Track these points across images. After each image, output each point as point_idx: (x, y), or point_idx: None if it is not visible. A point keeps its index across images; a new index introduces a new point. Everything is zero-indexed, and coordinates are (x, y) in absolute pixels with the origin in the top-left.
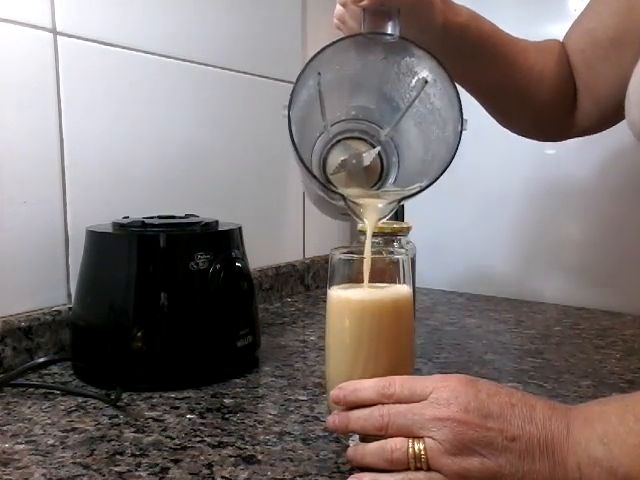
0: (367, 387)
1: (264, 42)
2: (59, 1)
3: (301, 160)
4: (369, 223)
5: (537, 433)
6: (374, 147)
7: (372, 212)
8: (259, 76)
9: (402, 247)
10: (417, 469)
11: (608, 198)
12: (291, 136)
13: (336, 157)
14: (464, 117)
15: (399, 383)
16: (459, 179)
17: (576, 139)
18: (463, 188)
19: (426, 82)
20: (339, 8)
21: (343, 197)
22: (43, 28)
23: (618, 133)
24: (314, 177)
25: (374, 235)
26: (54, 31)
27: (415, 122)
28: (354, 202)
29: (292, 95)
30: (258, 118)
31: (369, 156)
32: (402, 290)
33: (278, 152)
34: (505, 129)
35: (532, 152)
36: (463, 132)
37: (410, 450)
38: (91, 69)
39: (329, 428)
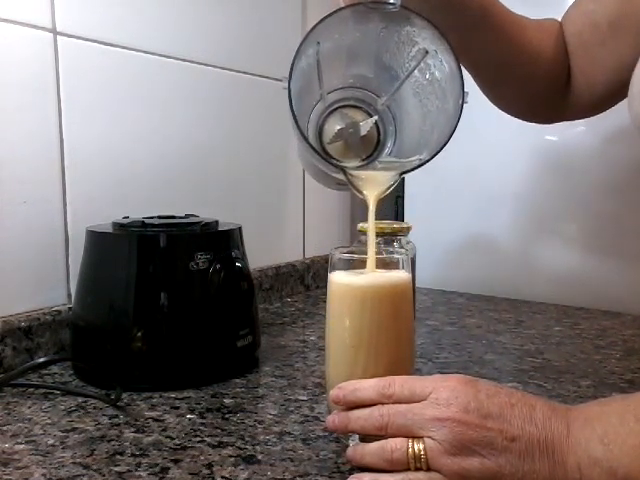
0: (367, 387)
1: (264, 42)
2: (59, 1)
3: (302, 135)
4: (370, 197)
5: (537, 433)
6: (371, 116)
7: (372, 186)
8: (259, 76)
9: (402, 247)
10: (417, 469)
11: (608, 198)
12: (291, 108)
13: (332, 126)
14: (465, 90)
15: (399, 383)
16: (459, 179)
17: (576, 138)
18: (463, 188)
19: (426, 52)
20: None
21: (343, 170)
22: (43, 28)
23: (618, 133)
24: (314, 150)
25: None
26: (54, 31)
27: (414, 92)
28: (354, 175)
29: (292, 66)
30: (258, 118)
31: (366, 125)
32: (402, 275)
33: (278, 152)
34: (502, 129)
35: (532, 152)
36: (464, 106)
37: (410, 450)
38: (91, 69)
39: (328, 428)
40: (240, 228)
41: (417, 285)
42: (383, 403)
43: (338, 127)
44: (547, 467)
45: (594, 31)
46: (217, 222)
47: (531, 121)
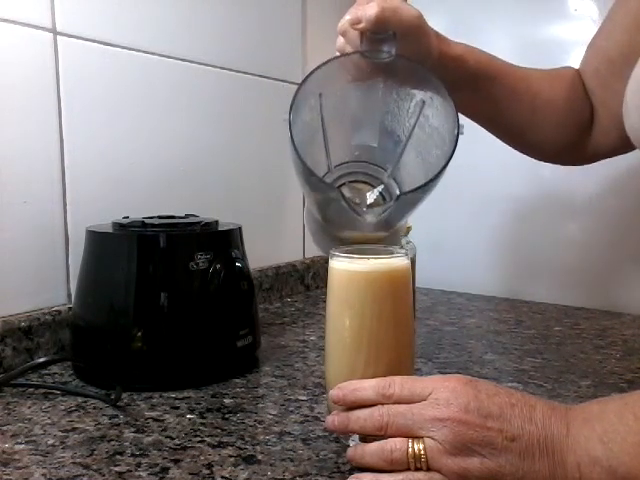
0: (367, 387)
1: (264, 42)
2: (59, 1)
3: (301, 160)
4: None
5: (537, 433)
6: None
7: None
8: (259, 76)
9: (402, 247)
10: (417, 469)
11: (608, 198)
12: (291, 139)
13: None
14: (460, 123)
15: (399, 383)
16: (459, 179)
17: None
18: (463, 188)
19: (424, 103)
20: (340, 39)
21: (342, 195)
22: (43, 28)
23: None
24: (317, 178)
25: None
26: (54, 31)
27: (416, 152)
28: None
29: (293, 102)
30: (258, 118)
31: (372, 195)
32: (401, 261)
33: (278, 152)
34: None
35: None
36: (460, 136)
37: (410, 450)
38: (91, 69)
39: (328, 428)
40: (240, 228)
41: (417, 285)
42: (383, 403)
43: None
44: (547, 467)
45: (609, 66)
46: (217, 222)
47: (561, 164)
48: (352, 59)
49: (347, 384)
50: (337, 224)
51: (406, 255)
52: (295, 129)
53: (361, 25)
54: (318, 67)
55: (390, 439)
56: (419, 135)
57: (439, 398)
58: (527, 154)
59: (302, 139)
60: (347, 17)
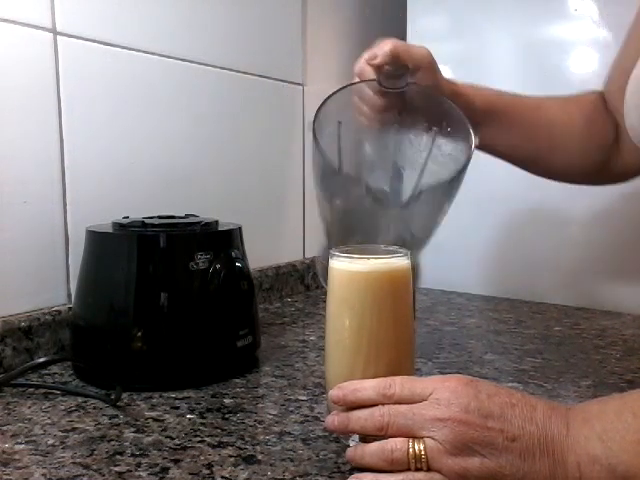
0: (367, 387)
1: (264, 42)
2: (59, 1)
3: (323, 156)
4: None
5: (537, 433)
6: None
7: None
8: (259, 76)
9: (402, 247)
10: (417, 469)
11: (608, 198)
12: (315, 140)
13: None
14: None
15: (399, 383)
16: None
17: None
18: (463, 188)
19: (437, 131)
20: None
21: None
22: (43, 28)
23: None
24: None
25: None
26: (54, 31)
27: (428, 195)
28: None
29: (318, 111)
30: (258, 118)
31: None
32: (401, 261)
33: (278, 152)
34: None
35: None
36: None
37: (410, 450)
38: (91, 69)
39: (328, 428)
40: (240, 228)
41: (417, 285)
42: (383, 403)
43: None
44: (547, 466)
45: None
46: (217, 222)
47: (592, 185)
48: (371, 86)
49: (347, 384)
50: (357, 235)
51: (406, 255)
52: (320, 140)
53: (377, 60)
54: (339, 90)
55: (390, 439)
56: (432, 169)
57: (440, 398)
58: (554, 180)
59: (322, 168)
60: (364, 57)
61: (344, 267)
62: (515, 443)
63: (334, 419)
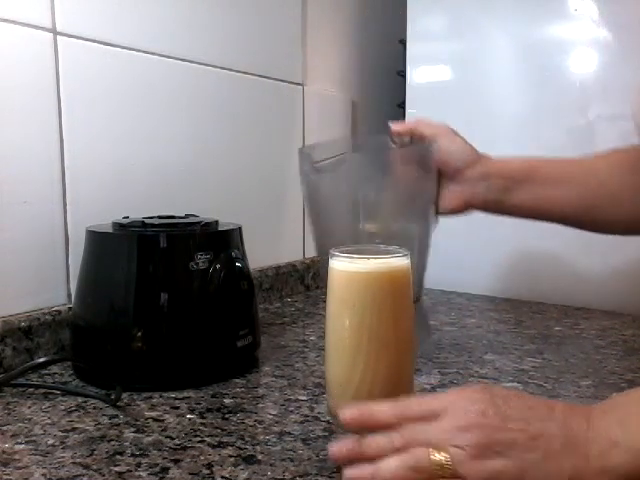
0: (385, 410)
1: (264, 42)
2: (59, 1)
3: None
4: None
5: (558, 431)
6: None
7: None
8: (259, 76)
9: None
10: (441, 477)
11: None
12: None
13: None
14: None
15: (416, 403)
16: None
17: (575, 140)
18: None
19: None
20: None
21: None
22: (43, 28)
23: (618, 136)
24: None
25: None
26: (54, 31)
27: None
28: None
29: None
30: (258, 118)
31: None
32: (400, 261)
33: (278, 152)
34: (501, 128)
35: (531, 152)
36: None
37: (434, 458)
38: (91, 69)
39: (336, 458)
40: (240, 228)
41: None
42: (400, 424)
43: None
44: (571, 462)
45: None
46: (217, 222)
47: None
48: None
49: (363, 407)
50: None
51: (406, 255)
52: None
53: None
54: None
55: (410, 450)
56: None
57: (456, 409)
58: (606, 233)
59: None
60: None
61: (344, 267)
62: (537, 442)
63: (341, 448)
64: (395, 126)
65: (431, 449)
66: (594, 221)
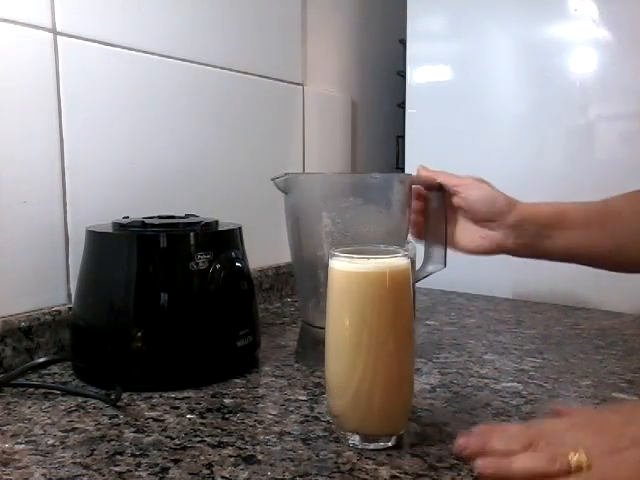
0: (513, 434)
1: (264, 42)
2: (59, 1)
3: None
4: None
5: None
6: None
7: None
8: (259, 76)
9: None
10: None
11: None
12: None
13: None
14: None
15: (537, 427)
16: None
17: (575, 139)
18: None
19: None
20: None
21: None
22: (43, 28)
23: (618, 136)
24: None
25: None
26: (54, 31)
27: None
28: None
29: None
30: (258, 118)
31: None
32: (400, 261)
33: (278, 152)
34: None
35: (531, 152)
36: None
37: (571, 457)
38: (91, 69)
39: (461, 451)
40: (240, 228)
41: (417, 285)
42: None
43: None
44: None
45: None
46: (217, 222)
47: None
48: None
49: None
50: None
51: (406, 255)
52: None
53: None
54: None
55: (545, 449)
56: None
57: (575, 422)
58: (635, 272)
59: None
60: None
61: (344, 267)
62: None
63: (468, 440)
64: (422, 172)
65: (565, 447)
66: (621, 262)
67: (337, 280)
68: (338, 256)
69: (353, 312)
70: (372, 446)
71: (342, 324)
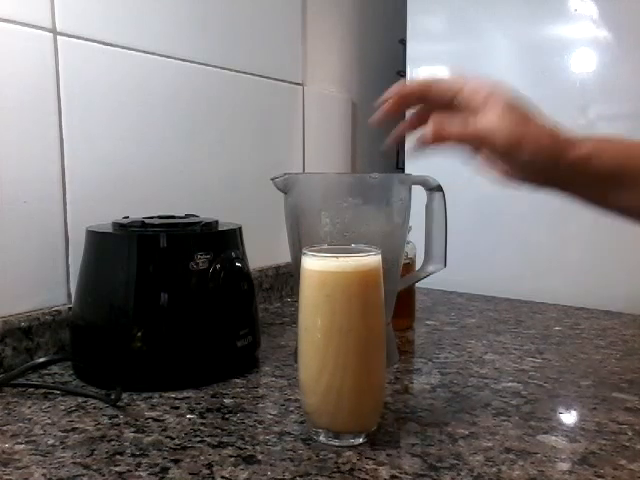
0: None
1: (264, 42)
2: (59, 1)
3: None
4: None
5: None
6: None
7: None
8: (259, 76)
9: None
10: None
11: None
12: None
13: None
14: None
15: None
16: (459, 179)
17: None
18: (463, 188)
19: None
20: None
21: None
22: (43, 28)
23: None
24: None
25: None
26: (54, 31)
27: None
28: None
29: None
30: (258, 118)
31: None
32: (370, 259)
33: (278, 152)
34: None
35: None
36: None
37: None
38: (91, 69)
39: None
40: (240, 228)
41: (417, 285)
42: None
43: None
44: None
45: None
46: (217, 222)
47: None
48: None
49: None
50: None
51: (377, 253)
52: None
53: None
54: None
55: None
56: None
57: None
58: None
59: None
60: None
61: (314, 266)
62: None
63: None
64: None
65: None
66: None
67: (308, 278)
68: (309, 254)
69: (323, 310)
70: (338, 442)
71: (313, 322)
